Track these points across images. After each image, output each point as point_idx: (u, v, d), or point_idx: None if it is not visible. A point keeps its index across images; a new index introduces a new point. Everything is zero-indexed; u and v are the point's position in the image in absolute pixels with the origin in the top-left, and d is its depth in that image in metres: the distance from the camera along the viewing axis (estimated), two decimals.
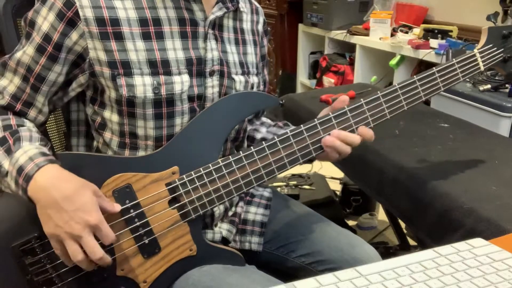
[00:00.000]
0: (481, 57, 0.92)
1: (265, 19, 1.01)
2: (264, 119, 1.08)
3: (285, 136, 0.80)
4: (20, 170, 0.71)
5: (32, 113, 0.82)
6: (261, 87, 0.98)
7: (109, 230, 0.70)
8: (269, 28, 1.07)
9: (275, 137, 0.79)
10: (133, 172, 0.77)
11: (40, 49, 0.78)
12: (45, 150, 0.75)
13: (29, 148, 0.73)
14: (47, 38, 0.77)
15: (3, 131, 0.76)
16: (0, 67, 0.81)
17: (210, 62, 0.84)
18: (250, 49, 0.94)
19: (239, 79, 0.89)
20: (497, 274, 0.60)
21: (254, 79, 0.94)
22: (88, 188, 0.71)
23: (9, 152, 0.73)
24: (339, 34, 3.09)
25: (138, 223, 0.76)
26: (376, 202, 2.22)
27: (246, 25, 0.94)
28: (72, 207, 0.68)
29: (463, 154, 1.14)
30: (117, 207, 0.74)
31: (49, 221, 0.68)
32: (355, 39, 2.95)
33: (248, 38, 0.94)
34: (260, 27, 0.99)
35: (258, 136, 1.02)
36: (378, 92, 0.84)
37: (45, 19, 0.77)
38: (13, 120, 0.79)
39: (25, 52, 0.79)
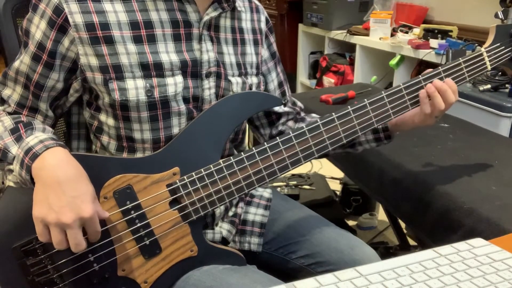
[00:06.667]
0: (488, 56, 0.90)
1: (267, 16, 1.00)
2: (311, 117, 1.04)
3: (287, 137, 0.80)
4: (28, 150, 0.71)
5: (39, 118, 0.83)
6: (262, 87, 0.97)
7: (98, 227, 0.70)
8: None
9: (277, 138, 0.80)
10: (134, 173, 0.77)
11: (35, 58, 0.78)
12: (56, 138, 0.75)
13: (40, 134, 0.74)
14: (41, 46, 0.77)
15: (16, 124, 0.77)
16: (2, 78, 0.83)
17: (206, 64, 0.83)
18: (249, 49, 0.93)
19: (236, 80, 0.88)
20: (497, 274, 0.60)
21: (253, 80, 0.93)
22: (90, 184, 0.71)
23: (19, 139, 0.74)
24: (339, 34, 3.09)
25: (139, 224, 0.76)
26: (376, 202, 2.22)
27: (246, 24, 0.93)
28: (72, 193, 0.67)
29: (463, 154, 1.14)
30: (106, 214, 0.73)
31: (43, 202, 0.67)
32: (355, 39, 2.95)
33: (248, 37, 0.93)
34: (263, 25, 0.97)
35: None
36: (377, 95, 0.84)
37: (37, 28, 0.77)
38: (24, 117, 0.81)
39: (22, 61, 0.80)
